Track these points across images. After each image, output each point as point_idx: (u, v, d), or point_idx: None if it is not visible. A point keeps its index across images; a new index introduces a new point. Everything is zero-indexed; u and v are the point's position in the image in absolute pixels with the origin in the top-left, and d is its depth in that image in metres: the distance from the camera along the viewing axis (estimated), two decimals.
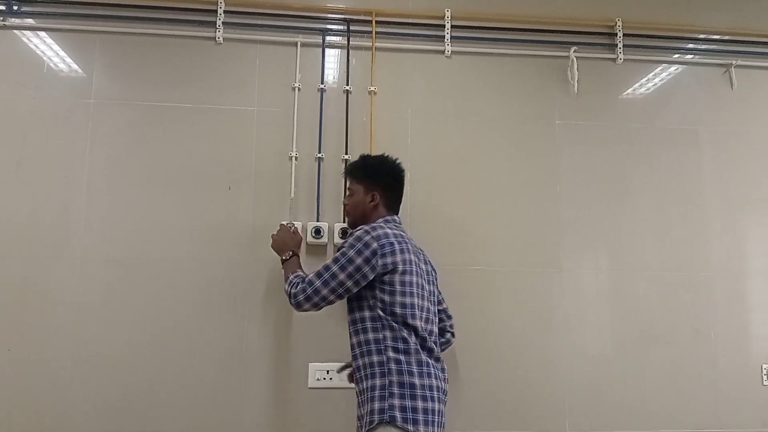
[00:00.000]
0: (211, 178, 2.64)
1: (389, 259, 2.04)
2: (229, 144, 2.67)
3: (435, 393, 1.98)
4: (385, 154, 2.32)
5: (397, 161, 2.31)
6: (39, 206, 2.56)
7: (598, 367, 2.71)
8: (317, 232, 2.60)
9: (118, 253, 2.56)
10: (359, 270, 2.03)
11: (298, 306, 2.09)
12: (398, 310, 2.03)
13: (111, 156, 2.62)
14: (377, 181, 2.26)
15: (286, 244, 2.32)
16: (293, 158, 2.67)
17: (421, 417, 1.91)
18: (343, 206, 2.51)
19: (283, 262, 2.27)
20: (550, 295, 2.73)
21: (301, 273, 2.17)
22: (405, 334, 2.01)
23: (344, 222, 2.57)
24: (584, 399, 2.67)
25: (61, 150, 2.60)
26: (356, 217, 2.27)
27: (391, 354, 1.98)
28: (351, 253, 2.04)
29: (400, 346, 2.00)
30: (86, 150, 2.61)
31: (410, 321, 2.03)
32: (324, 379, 2.56)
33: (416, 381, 1.96)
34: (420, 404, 1.93)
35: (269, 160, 2.67)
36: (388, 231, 2.10)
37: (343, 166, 2.68)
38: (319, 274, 2.08)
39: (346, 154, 2.70)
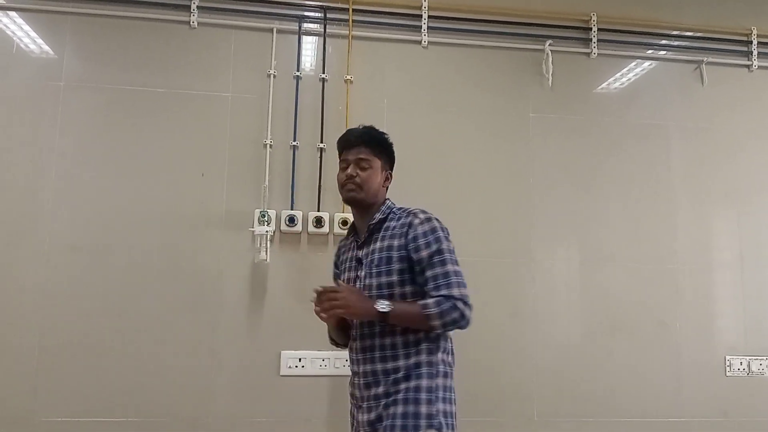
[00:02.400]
0: (184, 164, 2.62)
1: None
2: (202, 130, 2.65)
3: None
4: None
5: None
6: (6, 190, 2.52)
7: (565, 356, 2.76)
8: (291, 220, 2.60)
9: (87, 239, 2.53)
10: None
11: (468, 323, 1.78)
12: None
13: (81, 140, 2.58)
14: (391, 158, 2.00)
15: (363, 300, 1.80)
16: (268, 146, 2.66)
17: (455, 422, 1.80)
18: (346, 178, 1.91)
19: (387, 315, 1.76)
20: (521, 284, 2.77)
21: (429, 300, 1.76)
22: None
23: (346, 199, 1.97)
24: (552, 387, 2.72)
25: (30, 132, 2.56)
26: (369, 193, 1.91)
27: (440, 355, 1.81)
28: (451, 246, 1.83)
29: (448, 345, 1.86)
30: (56, 133, 2.56)
31: None
32: (296, 366, 2.57)
33: (452, 383, 1.84)
34: (454, 408, 1.81)
35: (243, 147, 2.66)
36: None
37: (319, 154, 2.68)
38: (458, 284, 1.77)
39: (322, 142, 2.69)
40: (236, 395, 2.53)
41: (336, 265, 2.07)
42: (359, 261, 1.90)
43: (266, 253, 2.54)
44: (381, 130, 2.00)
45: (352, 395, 1.91)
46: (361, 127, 1.99)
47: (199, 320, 2.55)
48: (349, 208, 2.07)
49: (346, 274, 1.95)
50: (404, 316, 1.78)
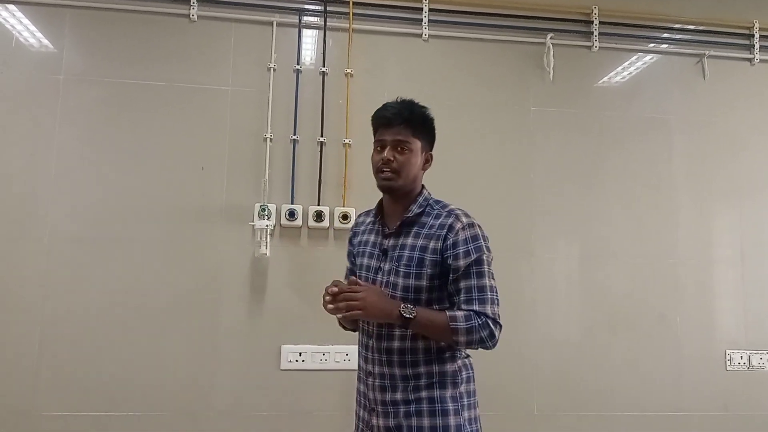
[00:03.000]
0: (184, 157, 2.61)
1: None
2: (202, 124, 2.64)
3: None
4: None
5: None
6: (6, 183, 2.51)
7: (565, 351, 2.76)
8: (291, 214, 2.59)
9: (87, 233, 2.52)
10: None
11: (495, 344, 1.66)
12: None
13: (80, 133, 2.58)
14: (432, 140, 1.80)
15: (384, 302, 1.65)
16: (268, 139, 2.65)
17: (480, 426, 1.73)
18: (381, 162, 1.71)
19: (410, 322, 1.61)
20: (521, 280, 2.77)
21: (458, 312, 1.63)
22: None
23: (386, 182, 1.72)
24: (552, 382, 2.72)
25: (30, 126, 2.55)
26: (407, 180, 1.72)
27: (460, 362, 1.72)
28: (490, 258, 1.70)
29: (466, 351, 1.76)
30: (55, 126, 2.56)
31: None
32: (296, 361, 2.57)
33: (476, 386, 1.75)
34: (479, 412, 1.74)
35: (243, 140, 2.65)
36: None
37: (319, 148, 2.68)
38: (493, 301, 1.64)
39: (322, 136, 2.68)
40: (237, 389, 2.54)
41: (350, 242, 1.89)
42: (384, 252, 1.74)
43: (266, 248, 2.54)
44: (421, 104, 1.79)
45: (364, 395, 1.76)
46: (399, 101, 1.76)
47: (199, 314, 2.55)
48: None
49: (365, 260, 1.78)
50: (428, 326, 1.63)
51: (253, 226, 2.56)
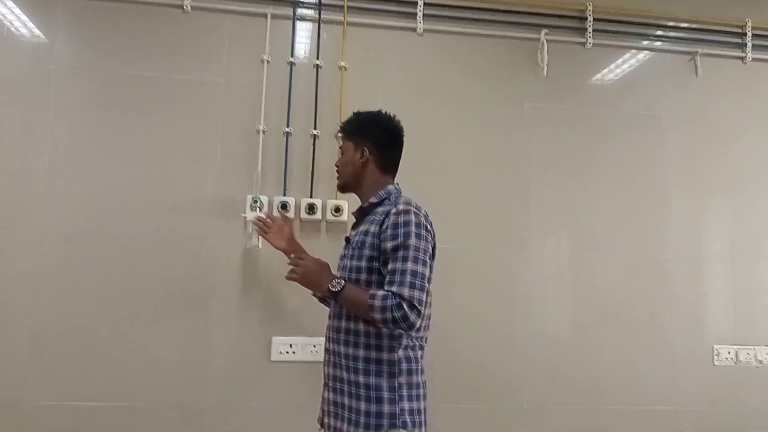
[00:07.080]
0: (176, 149, 2.61)
1: (433, 238, 1.87)
2: (195, 116, 2.63)
3: (426, 389, 1.86)
4: (381, 110, 2.03)
5: (395, 117, 2.01)
6: None
7: (556, 345, 2.78)
8: (284, 207, 2.59)
9: (78, 225, 2.52)
10: (432, 256, 1.84)
11: (412, 327, 1.70)
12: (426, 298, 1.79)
13: (72, 125, 2.56)
14: (367, 135, 1.97)
15: (320, 274, 1.88)
16: (261, 132, 2.65)
17: (424, 418, 1.81)
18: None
19: (337, 294, 1.80)
20: (514, 274, 2.78)
21: (379, 291, 1.73)
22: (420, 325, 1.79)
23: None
24: (542, 376, 2.74)
25: (21, 118, 2.54)
26: (347, 178, 2.00)
27: (401, 353, 1.81)
28: (421, 243, 1.76)
29: (413, 342, 1.84)
30: (47, 118, 2.54)
31: (428, 310, 1.85)
32: (287, 352, 2.58)
33: (420, 379, 1.83)
34: (422, 404, 1.82)
35: (236, 133, 2.64)
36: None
37: (312, 141, 2.68)
38: (412, 285, 1.70)
39: (315, 129, 2.68)
40: (227, 381, 2.54)
41: None
42: (348, 241, 1.95)
43: (258, 239, 2.54)
44: (365, 111, 2.04)
45: (322, 369, 1.96)
46: None
47: (190, 306, 2.55)
48: (342, 194, 2.10)
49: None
50: (351, 301, 1.79)
51: (245, 218, 2.56)
